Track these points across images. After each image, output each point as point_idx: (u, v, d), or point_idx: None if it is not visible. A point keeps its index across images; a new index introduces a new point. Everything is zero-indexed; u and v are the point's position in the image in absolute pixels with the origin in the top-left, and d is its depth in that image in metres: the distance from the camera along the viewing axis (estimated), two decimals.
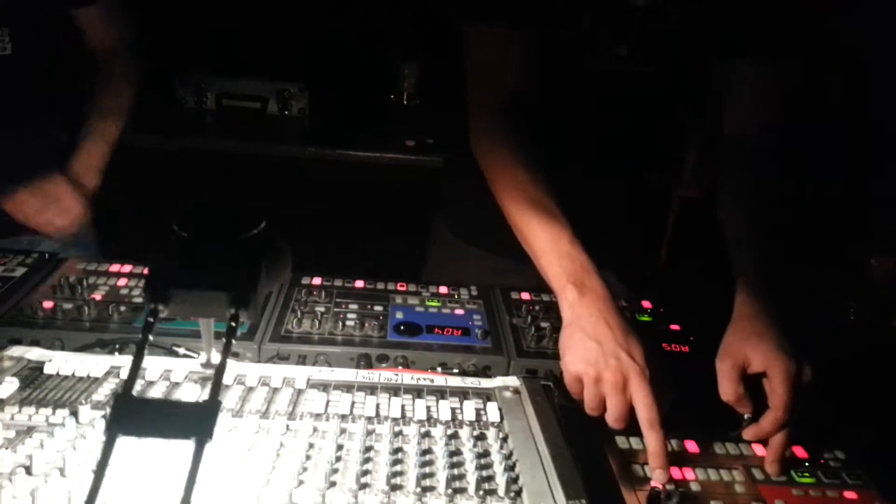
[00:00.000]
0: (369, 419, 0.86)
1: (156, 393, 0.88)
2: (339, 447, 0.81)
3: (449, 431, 0.85)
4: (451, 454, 0.80)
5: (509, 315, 1.27)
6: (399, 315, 1.23)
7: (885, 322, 1.41)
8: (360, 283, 1.33)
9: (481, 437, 0.85)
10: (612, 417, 0.95)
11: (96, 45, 1.55)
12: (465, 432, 0.85)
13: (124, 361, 0.93)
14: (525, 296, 1.33)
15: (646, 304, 1.34)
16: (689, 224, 1.62)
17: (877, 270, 1.41)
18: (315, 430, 0.84)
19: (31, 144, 1.52)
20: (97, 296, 1.19)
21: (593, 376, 0.95)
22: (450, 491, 0.74)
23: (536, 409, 0.90)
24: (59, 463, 0.74)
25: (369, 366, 1.10)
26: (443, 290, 1.34)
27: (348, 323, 1.18)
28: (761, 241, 1.16)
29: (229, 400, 0.88)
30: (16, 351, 0.96)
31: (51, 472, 0.73)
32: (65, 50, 1.54)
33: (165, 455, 0.75)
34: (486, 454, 0.81)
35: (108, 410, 0.49)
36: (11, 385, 0.88)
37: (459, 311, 1.27)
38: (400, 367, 1.11)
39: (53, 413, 0.84)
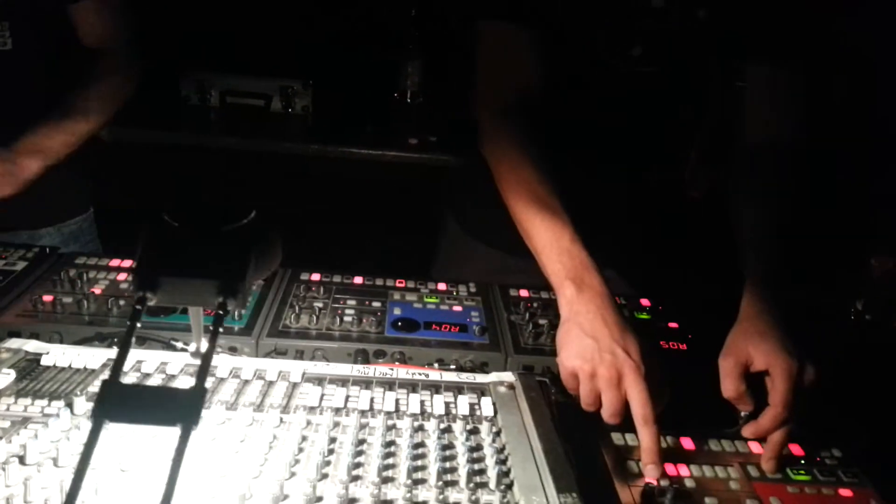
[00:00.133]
0: (363, 413, 0.86)
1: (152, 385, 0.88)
2: (332, 440, 0.81)
3: (442, 425, 0.85)
4: (444, 447, 0.80)
5: (507, 312, 1.27)
6: (397, 311, 1.24)
7: (886, 322, 1.40)
8: (358, 280, 1.33)
9: (474, 431, 0.85)
10: (608, 413, 0.95)
11: (93, 42, 1.52)
12: (458, 426, 0.85)
13: (114, 353, 0.94)
14: (523, 293, 1.33)
15: (644, 301, 1.34)
16: (692, 224, 1.62)
17: (877, 270, 1.40)
18: (309, 423, 0.84)
19: None
20: (97, 290, 1.20)
21: (588, 372, 0.95)
22: (440, 483, 0.74)
23: (531, 405, 0.90)
24: (53, 453, 0.74)
25: (366, 361, 1.10)
26: (441, 286, 1.34)
27: (346, 319, 1.19)
28: (771, 242, 1.16)
29: (224, 393, 0.89)
30: (13, 343, 0.96)
31: (44, 461, 0.73)
32: (66, 45, 1.52)
33: (156, 442, 0.75)
34: (478, 448, 0.81)
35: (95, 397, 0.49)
36: (8, 376, 0.88)
37: (458, 308, 1.27)
38: (396, 363, 1.12)
39: (49, 404, 0.84)
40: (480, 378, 0.98)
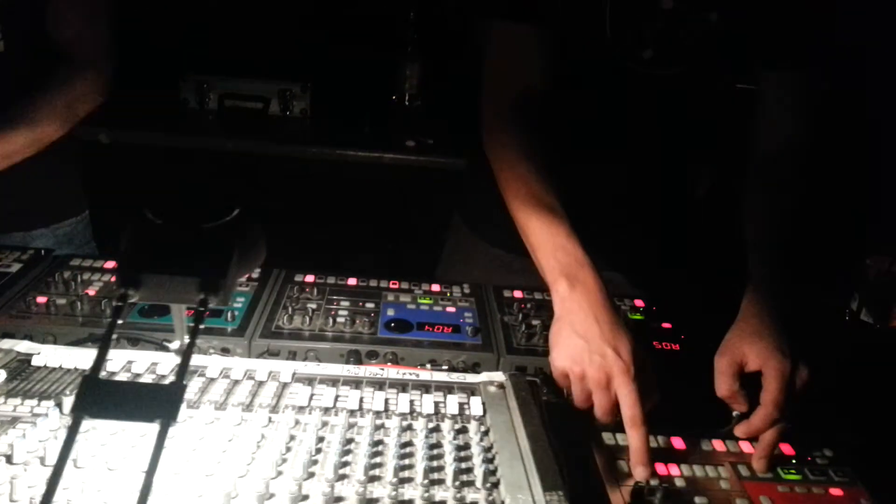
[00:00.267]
0: (352, 412, 0.86)
1: None
2: (320, 439, 0.81)
3: (431, 425, 0.85)
4: (431, 447, 0.80)
5: (501, 313, 1.27)
6: (390, 312, 1.24)
7: (881, 323, 1.40)
8: (352, 281, 1.33)
9: (463, 431, 0.85)
10: (599, 413, 0.96)
11: (72, 49, 1.45)
12: (446, 425, 0.85)
13: (111, 354, 0.94)
14: (517, 294, 1.34)
15: (638, 302, 1.34)
16: (691, 225, 1.62)
17: (872, 271, 1.40)
18: (297, 422, 0.84)
19: None
20: (90, 291, 1.20)
21: (578, 373, 0.96)
22: (426, 482, 0.74)
23: (520, 404, 0.90)
24: (41, 452, 0.75)
25: (359, 362, 1.11)
26: (435, 287, 1.34)
27: (339, 320, 1.19)
28: (775, 244, 1.16)
29: (213, 393, 0.89)
30: (5, 343, 0.97)
31: (31, 461, 0.74)
32: None
33: (144, 441, 0.75)
34: (466, 447, 0.81)
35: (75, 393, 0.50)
36: None
37: (451, 309, 1.27)
38: (388, 364, 1.12)
39: (38, 404, 0.84)
40: (471, 378, 0.98)
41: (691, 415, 1.04)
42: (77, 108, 1.45)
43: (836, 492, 0.91)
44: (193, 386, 0.90)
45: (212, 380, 0.92)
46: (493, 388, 0.94)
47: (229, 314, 1.16)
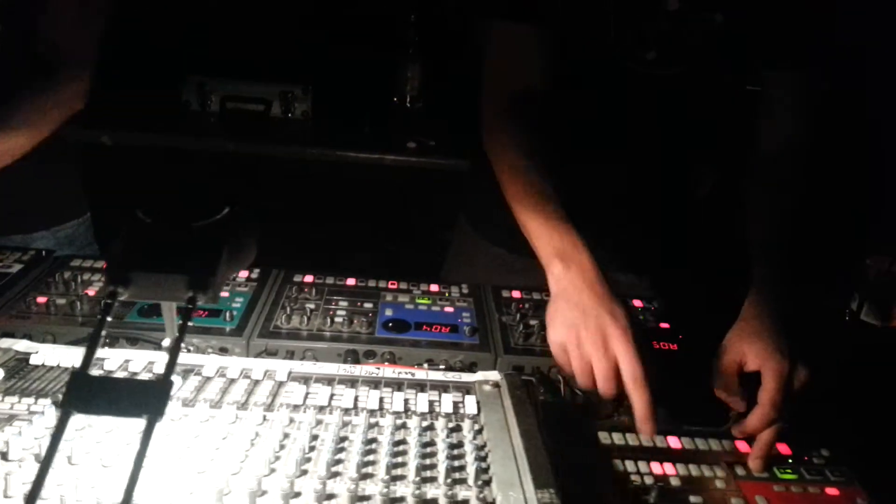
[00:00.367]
0: (346, 411, 0.87)
1: None
2: (314, 437, 0.81)
3: (425, 423, 0.85)
4: (425, 445, 0.81)
5: (499, 313, 1.27)
6: (388, 312, 1.24)
7: (881, 322, 1.39)
8: (351, 281, 1.34)
9: (456, 429, 0.85)
10: (601, 379, 0.94)
11: (52, 55, 1.41)
12: (440, 423, 0.85)
13: (109, 353, 0.95)
14: (516, 294, 1.34)
15: (637, 303, 1.34)
16: (691, 225, 1.62)
17: (872, 271, 1.40)
18: (292, 420, 0.84)
19: None
20: (90, 291, 1.21)
21: (575, 340, 0.96)
22: (418, 479, 0.74)
23: (515, 403, 0.90)
24: (36, 449, 0.75)
25: (356, 362, 1.11)
26: (434, 288, 1.34)
27: (337, 320, 1.19)
28: (779, 245, 1.17)
29: (209, 391, 0.89)
30: (4, 343, 0.97)
31: (27, 458, 0.74)
32: None
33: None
34: (459, 445, 0.81)
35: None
36: None
37: (449, 309, 1.27)
38: (386, 363, 1.12)
39: (35, 402, 0.85)
40: (466, 377, 0.98)
41: (688, 414, 1.04)
42: (54, 116, 1.41)
43: (832, 491, 0.91)
44: (189, 384, 0.90)
45: (208, 378, 0.92)
46: (488, 387, 0.94)
47: (228, 314, 1.16)
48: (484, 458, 0.79)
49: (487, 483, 0.74)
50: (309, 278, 1.33)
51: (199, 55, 2.40)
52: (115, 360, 0.94)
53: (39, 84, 1.40)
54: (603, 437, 0.98)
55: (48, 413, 0.80)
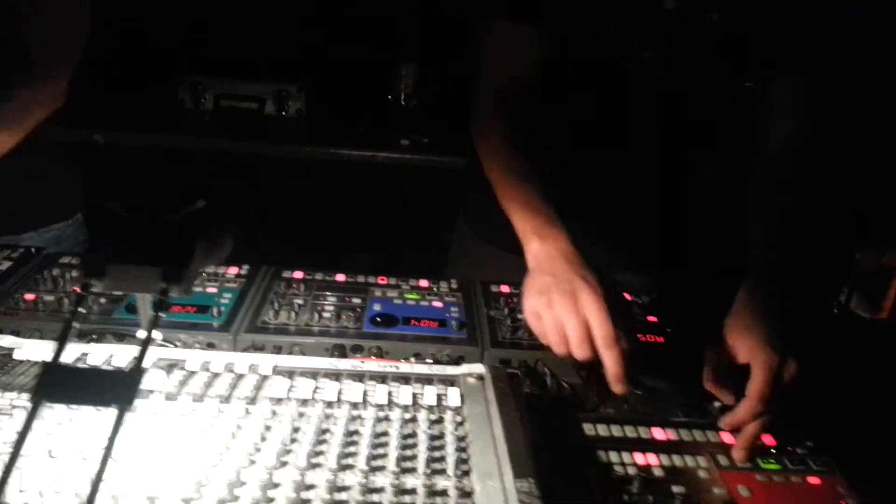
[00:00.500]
0: (329, 404, 0.87)
1: None
2: (296, 430, 0.81)
3: (407, 416, 0.85)
4: (406, 436, 0.81)
5: (487, 307, 1.27)
6: (377, 307, 1.24)
7: (871, 315, 1.40)
8: (340, 277, 1.34)
9: (438, 421, 0.85)
10: (575, 343, 0.97)
11: (29, 53, 1.38)
12: (422, 415, 0.85)
13: (94, 349, 0.95)
14: (504, 289, 1.34)
15: (625, 296, 1.34)
16: (688, 221, 1.62)
17: (860, 265, 1.40)
18: (274, 413, 0.85)
19: None
20: (78, 288, 1.21)
21: (546, 302, 0.99)
22: (398, 469, 0.74)
23: (498, 395, 0.90)
24: None
25: (343, 356, 1.11)
26: (423, 283, 1.34)
27: (325, 315, 1.19)
28: (775, 243, 1.17)
29: (193, 385, 0.89)
30: None
31: (5, 450, 0.74)
32: None
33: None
34: (440, 436, 0.82)
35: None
36: None
37: (437, 304, 1.27)
38: (372, 357, 1.12)
39: (18, 396, 0.85)
40: (451, 370, 0.98)
41: (674, 406, 1.05)
42: (30, 116, 1.38)
43: (813, 481, 0.92)
44: (173, 379, 0.90)
45: (192, 373, 0.92)
46: (472, 380, 0.94)
47: (215, 310, 1.17)
48: (464, 449, 0.79)
49: (467, 473, 0.75)
50: (298, 274, 1.33)
51: (193, 54, 2.41)
52: (100, 356, 0.94)
53: (16, 82, 1.37)
54: (588, 428, 0.99)
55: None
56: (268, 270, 1.33)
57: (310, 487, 0.71)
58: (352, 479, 0.73)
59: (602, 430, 0.99)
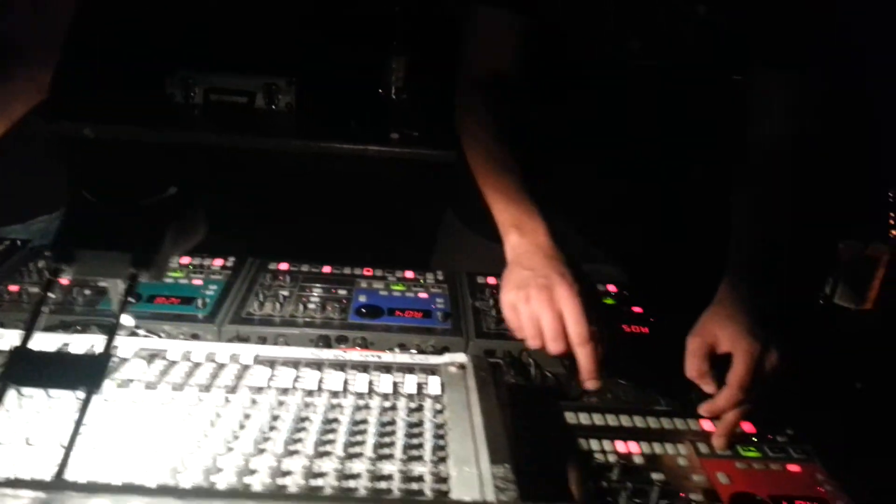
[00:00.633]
0: (309, 392, 0.87)
1: None
2: (275, 418, 0.82)
3: (387, 404, 0.86)
4: (384, 424, 0.81)
5: (473, 298, 1.27)
6: (362, 298, 1.25)
7: (854, 306, 1.40)
8: (326, 269, 1.34)
9: (418, 409, 0.85)
10: (549, 338, 0.97)
11: (12, 42, 1.35)
12: (402, 403, 0.86)
13: (75, 339, 0.95)
14: (491, 280, 1.34)
15: (611, 287, 1.34)
16: (675, 214, 1.62)
17: (844, 256, 1.40)
18: (254, 402, 0.85)
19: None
20: (63, 280, 1.21)
21: (524, 296, 0.99)
22: (374, 456, 0.74)
23: (479, 383, 0.90)
24: None
25: (328, 347, 1.11)
26: (409, 274, 1.35)
27: (310, 306, 1.20)
28: (758, 234, 1.17)
29: (174, 375, 0.89)
30: None
31: None
32: None
33: (99, 419, 0.77)
34: (419, 424, 0.82)
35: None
36: None
37: (423, 295, 1.28)
38: (357, 348, 1.13)
39: None
40: (433, 360, 0.98)
41: (657, 395, 1.05)
42: (12, 109, 1.36)
43: (793, 468, 0.92)
44: (154, 368, 0.90)
45: (173, 363, 0.92)
46: (453, 369, 0.94)
47: (200, 301, 1.17)
48: (442, 436, 0.79)
49: (443, 460, 0.75)
50: (284, 266, 1.34)
51: (183, 48, 2.40)
52: (81, 345, 0.94)
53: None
54: (570, 417, 0.99)
55: (9, 395, 0.81)
56: (254, 262, 1.33)
57: (286, 474, 0.72)
58: (328, 465, 0.73)
59: (584, 418, 0.99)
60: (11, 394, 0.80)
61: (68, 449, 0.48)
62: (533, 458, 0.85)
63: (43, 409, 0.79)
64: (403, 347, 1.13)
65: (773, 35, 1.24)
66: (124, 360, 0.92)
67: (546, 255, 1.03)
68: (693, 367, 1.02)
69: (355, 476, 0.72)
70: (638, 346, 1.18)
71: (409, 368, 0.95)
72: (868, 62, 1.83)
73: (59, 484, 0.46)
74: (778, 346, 1.00)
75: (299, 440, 0.77)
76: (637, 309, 1.27)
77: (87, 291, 1.17)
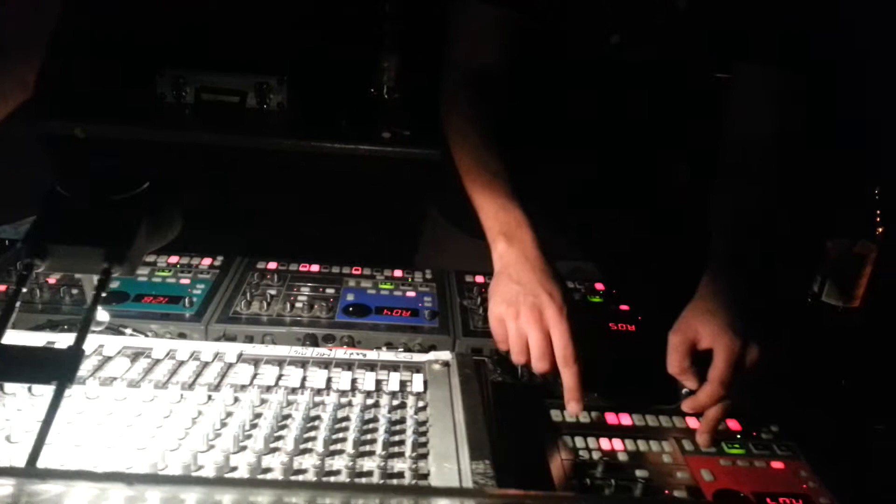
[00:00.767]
0: (292, 390, 0.87)
1: (87, 367, 0.89)
2: (257, 416, 0.81)
3: (370, 401, 0.86)
4: (366, 421, 0.81)
5: (460, 297, 1.28)
6: (350, 297, 1.25)
7: (842, 304, 1.40)
8: (315, 268, 1.34)
9: (401, 406, 0.85)
10: (535, 355, 0.97)
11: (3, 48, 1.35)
12: (384, 400, 0.86)
13: (61, 337, 0.95)
14: (479, 279, 1.34)
15: (598, 286, 1.34)
16: (659, 211, 1.62)
17: (832, 254, 1.40)
18: (236, 399, 0.85)
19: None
20: (51, 279, 1.21)
21: (513, 314, 0.99)
22: (354, 452, 0.74)
23: (462, 381, 0.90)
24: None
25: (315, 346, 1.11)
26: (397, 273, 1.35)
27: (297, 305, 1.20)
28: (740, 230, 1.17)
29: (157, 373, 0.89)
30: None
31: None
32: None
33: (89, 416, 0.77)
34: (401, 421, 0.82)
35: None
36: None
37: (411, 294, 1.28)
38: (344, 347, 1.12)
39: None
40: (418, 357, 0.98)
41: (642, 392, 1.05)
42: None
43: (777, 465, 0.92)
44: (138, 367, 0.90)
45: (157, 361, 0.92)
46: (437, 367, 0.94)
47: (187, 300, 1.17)
48: (424, 433, 0.79)
49: (424, 456, 0.75)
50: (272, 265, 1.33)
51: (174, 47, 2.40)
52: (64, 345, 0.93)
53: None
54: (555, 414, 0.99)
55: None
56: (242, 261, 1.33)
57: (266, 470, 0.72)
58: (308, 461, 0.73)
59: (569, 416, 0.99)
60: None
61: (39, 440, 0.48)
62: (517, 456, 0.85)
63: (25, 407, 0.79)
64: (391, 346, 1.13)
65: (754, 30, 1.24)
66: (108, 359, 0.92)
67: (534, 267, 1.02)
68: (675, 363, 1.02)
69: (335, 472, 0.72)
70: (624, 345, 1.18)
71: (393, 366, 0.95)
72: (854, 59, 1.83)
73: (10, 470, 0.46)
74: (758, 341, 1.00)
75: (280, 437, 0.77)
76: (624, 307, 1.27)
77: (75, 291, 1.17)
